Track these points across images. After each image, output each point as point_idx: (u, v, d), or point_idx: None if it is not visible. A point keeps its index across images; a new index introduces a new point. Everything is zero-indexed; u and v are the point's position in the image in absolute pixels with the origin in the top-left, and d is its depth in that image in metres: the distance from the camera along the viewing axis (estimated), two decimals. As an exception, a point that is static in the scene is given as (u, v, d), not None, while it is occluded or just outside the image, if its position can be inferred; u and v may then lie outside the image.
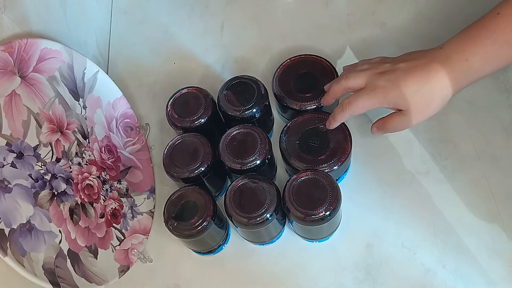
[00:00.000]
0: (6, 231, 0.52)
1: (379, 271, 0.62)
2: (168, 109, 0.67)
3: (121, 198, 0.69)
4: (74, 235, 0.61)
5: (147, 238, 0.69)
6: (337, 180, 0.64)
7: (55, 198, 0.60)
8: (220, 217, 0.62)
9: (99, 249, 0.64)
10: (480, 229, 0.62)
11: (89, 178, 0.66)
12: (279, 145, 0.64)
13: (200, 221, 0.59)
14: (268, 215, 0.58)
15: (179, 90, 0.68)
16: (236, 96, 0.65)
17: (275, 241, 0.66)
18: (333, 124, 0.62)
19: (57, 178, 0.61)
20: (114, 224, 0.67)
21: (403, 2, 0.79)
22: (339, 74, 0.67)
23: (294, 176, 0.59)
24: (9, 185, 0.54)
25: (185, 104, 0.66)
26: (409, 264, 0.62)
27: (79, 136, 0.66)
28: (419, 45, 0.75)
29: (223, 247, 0.66)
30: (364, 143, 0.69)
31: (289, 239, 0.66)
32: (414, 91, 0.56)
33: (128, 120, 0.74)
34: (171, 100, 0.67)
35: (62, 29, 0.70)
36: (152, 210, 0.71)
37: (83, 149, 0.66)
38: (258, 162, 0.61)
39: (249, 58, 0.79)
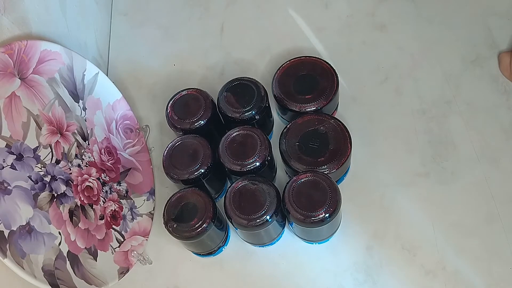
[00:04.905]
0: (6, 233, 0.52)
1: (379, 273, 0.62)
2: (168, 111, 0.67)
3: (121, 200, 0.69)
4: (73, 237, 0.61)
5: (146, 240, 0.69)
6: (337, 181, 0.64)
7: (55, 200, 0.60)
8: (219, 219, 0.62)
9: (98, 251, 0.64)
10: (480, 231, 0.62)
11: (89, 180, 0.66)
12: (279, 147, 0.64)
13: (199, 223, 0.59)
14: (268, 217, 0.58)
15: (179, 92, 0.68)
16: (236, 97, 0.65)
17: (275, 243, 0.66)
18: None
19: (56, 180, 0.61)
20: (113, 226, 0.67)
21: (403, 3, 0.79)
22: (338, 75, 0.67)
23: (294, 178, 0.59)
24: (8, 187, 0.54)
25: (185, 106, 0.66)
26: (409, 266, 0.62)
27: (79, 138, 0.66)
28: (419, 47, 0.75)
29: (223, 248, 0.66)
30: (364, 145, 0.69)
31: (289, 240, 0.66)
32: None
33: (128, 121, 0.74)
34: (171, 101, 0.67)
35: (62, 30, 0.70)
36: (152, 211, 0.71)
37: (82, 151, 0.66)
38: (258, 163, 0.61)
39: (249, 59, 0.79)
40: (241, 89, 0.66)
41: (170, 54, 0.82)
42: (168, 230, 0.60)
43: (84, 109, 0.68)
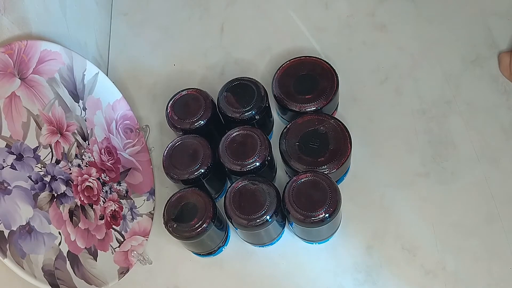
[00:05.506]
0: (6, 233, 0.52)
1: (379, 273, 0.62)
2: (168, 111, 0.67)
3: (121, 200, 0.69)
4: (73, 237, 0.61)
5: (146, 240, 0.69)
6: (337, 181, 0.64)
7: (55, 200, 0.60)
8: (219, 219, 0.62)
9: (98, 251, 0.64)
10: (480, 231, 0.62)
11: (89, 180, 0.66)
12: (279, 147, 0.64)
13: (199, 223, 0.59)
14: (267, 217, 0.58)
15: (179, 92, 0.68)
16: (236, 97, 0.65)
17: (275, 243, 0.66)
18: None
19: (56, 179, 0.61)
20: (113, 226, 0.67)
21: (403, 3, 0.79)
22: (338, 75, 0.67)
23: (294, 178, 0.59)
24: (8, 187, 0.54)
25: (185, 106, 0.66)
26: (409, 266, 0.62)
27: (79, 138, 0.66)
28: (419, 47, 0.75)
29: (223, 249, 0.66)
30: (364, 145, 0.69)
31: (289, 240, 0.66)
32: None
33: (128, 121, 0.74)
34: (171, 101, 0.67)
35: (62, 30, 0.70)
36: (152, 211, 0.71)
37: (82, 151, 0.66)
38: (258, 163, 0.61)
39: (249, 59, 0.79)
40: (241, 89, 0.66)
41: (170, 54, 0.82)
42: (168, 230, 0.60)
43: (84, 109, 0.68)
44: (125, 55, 0.83)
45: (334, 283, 0.63)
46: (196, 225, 0.59)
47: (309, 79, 0.67)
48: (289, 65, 0.69)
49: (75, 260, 0.60)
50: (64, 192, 0.61)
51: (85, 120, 0.68)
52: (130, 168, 0.72)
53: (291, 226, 0.62)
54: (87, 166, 0.66)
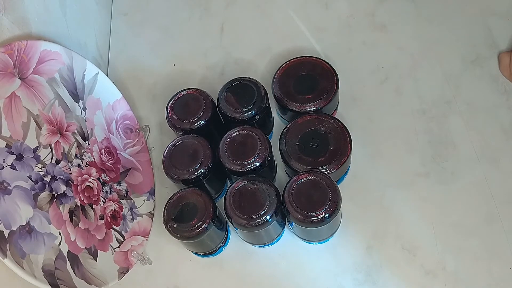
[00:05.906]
0: (6, 233, 0.52)
1: (379, 273, 0.62)
2: (168, 111, 0.67)
3: (121, 200, 0.69)
4: (73, 237, 0.61)
5: (146, 240, 0.69)
6: (337, 181, 0.64)
7: (55, 200, 0.60)
8: (219, 219, 0.62)
9: (98, 251, 0.64)
10: (480, 231, 0.62)
11: (89, 180, 0.66)
12: (279, 147, 0.64)
13: (199, 223, 0.59)
14: (267, 217, 0.58)
15: (179, 92, 0.68)
16: (236, 97, 0.65)
17: (274, 243, 0.66)
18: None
19: (56, 180, 0.61)
20: (113, 226, 0.67)
21: (403, 3, 0.79)
22: (338, 75, 0.67)
23: (294, 178, 0.59)
24: (8, 187, 0.54)
25: (185, 106, 0.66)
26: (409, 266, 0.62)
27: (79, 138, 0.66)
28: (419, 47, 0.75)
29: (223, 249, 0.66)
30: (364, 145, 0.69)
31: (289, 241, 0.66)
32: None
33: (128, 121, 0.74)
34: (171, 101, 0.67)
35: (62, 30, 0.70)
36: (152, 211, 0.71)
37: (82, 151, 0.66)
38: (258, 163, 0.61)
39: (249, 59, 0.79)
40: (241, 89, 0.66)
41: (170, 54, 0.82)
42: (168, 230, 0.60)
43: (84, 109, 0.68)
44: (125, 55, 0.83)
45: (334, 283, 0.63)
46: (196, 225, 0.59)
47: (309, 79, 0.67)
48: (289, 65, 0.69)
49: (75, 260, 0.60)
50: (64, 192, 0.61)
51: (85, 120, 0.68)
52: (130, 168, 0.72)
53: (291, 226, 0.62)
54: (87, 166, 0.66)
